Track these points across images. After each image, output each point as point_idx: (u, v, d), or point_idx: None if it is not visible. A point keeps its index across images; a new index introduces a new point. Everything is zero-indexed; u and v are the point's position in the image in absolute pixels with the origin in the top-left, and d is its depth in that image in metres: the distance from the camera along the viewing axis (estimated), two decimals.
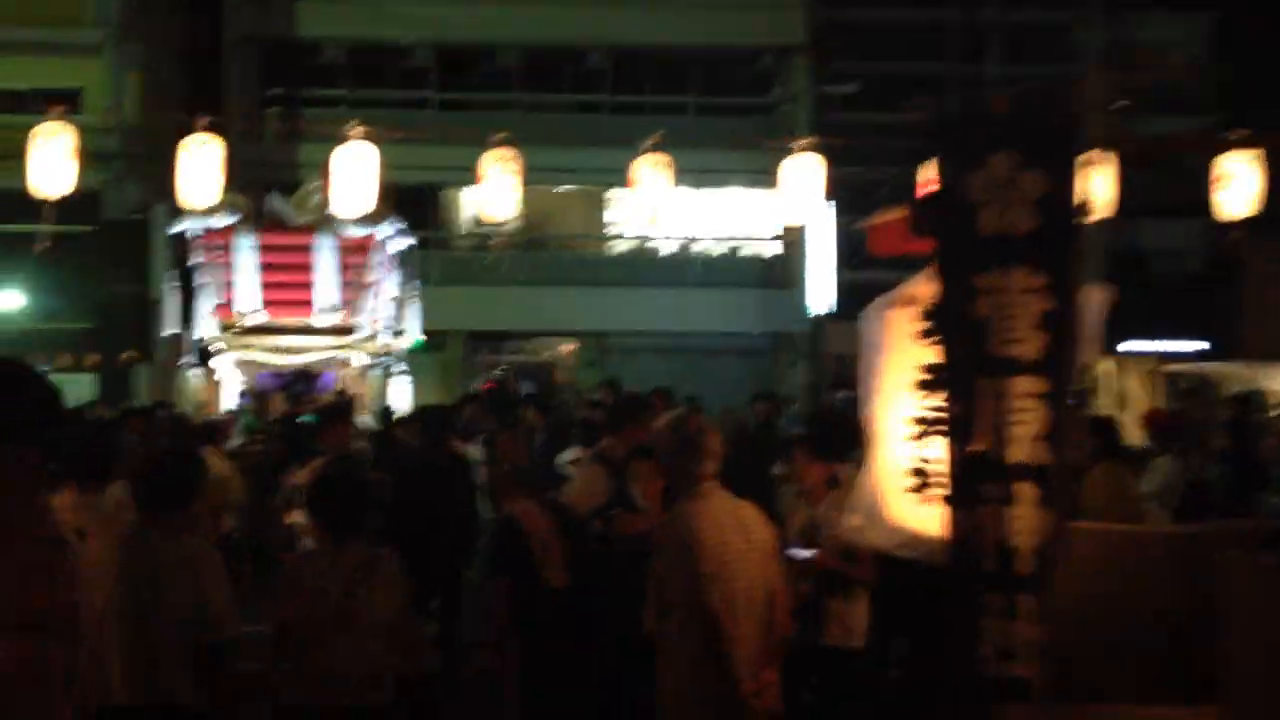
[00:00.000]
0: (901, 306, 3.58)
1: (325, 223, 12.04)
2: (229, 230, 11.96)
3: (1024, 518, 3.28)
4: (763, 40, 21.86)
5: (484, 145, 8.04)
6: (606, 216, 22.77)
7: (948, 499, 3.37)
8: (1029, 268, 3.26)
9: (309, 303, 12.10)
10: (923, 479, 3.50)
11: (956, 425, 3.34)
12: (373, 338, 12.62)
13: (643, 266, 22.66)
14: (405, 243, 12.94)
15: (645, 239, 22.83)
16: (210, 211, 11.94)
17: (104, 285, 20.05)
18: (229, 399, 12.63)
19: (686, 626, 3.57)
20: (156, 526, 3.67)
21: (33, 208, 19.44)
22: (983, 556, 3.32)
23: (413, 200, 19.78)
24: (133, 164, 19.85)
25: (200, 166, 7.71)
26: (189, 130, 20.65)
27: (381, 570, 3.73)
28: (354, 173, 7.84)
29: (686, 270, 22.44)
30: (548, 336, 23.45)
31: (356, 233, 12.02)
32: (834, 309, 20.28)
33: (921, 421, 3.47)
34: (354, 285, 12.03)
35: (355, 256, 12.03)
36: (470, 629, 5.65)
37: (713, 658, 3.53)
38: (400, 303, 13.24)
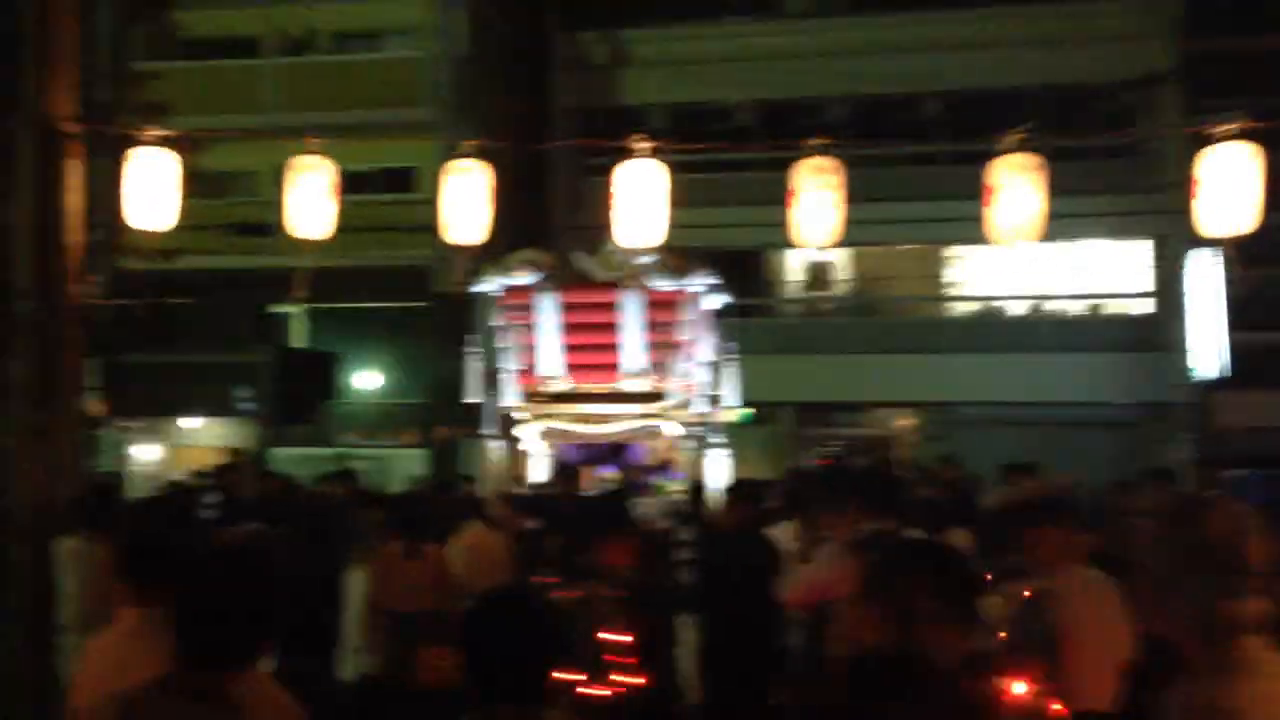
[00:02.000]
0: None
1: (631, 279, 10.74)
2: (529, 289, 10.88)
3: None
4: (1122, 75, 19.13)
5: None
6: (946, 276, 20.51)
7: None
8: None
9: (615, 366, 10.79)
10: None
11: None
12: (685, 405, 11.14)
13: (989, 330, 20.20)
14: (719, 300, 11.43)
15: (991, 299, 20.41)
16: (508, 269, 10.98)
17: (436, 360, 19.94)
18: (536, 472, 11.50)
19: None
20: (201, 690, 2.12)
21: (380, 285, 19.93)
22: None
23: (738, 265, 18.47)
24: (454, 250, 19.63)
25: (466, 196, 6.47)
26: (517, 201, 20.35)
27: None
28: (642, 197, 6.36)
29: (1039, 333, 19.80)
30: (884, 408, 21.32)
31: (665, 287, 10.63)
32: (1224, 374, 17.04)
33: None
34: (663, 346, 10.61)
35: (664, 314, 10.62)
36: None
37: None
38: (716, 367, 11.72)
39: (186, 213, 18.35)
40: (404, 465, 19.83)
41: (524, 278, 10.81)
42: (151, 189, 6.72)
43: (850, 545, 4.72)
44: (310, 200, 6.54)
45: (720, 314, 11.71)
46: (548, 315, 10.81)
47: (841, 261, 20.81)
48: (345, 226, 17.05)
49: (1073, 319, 20.13)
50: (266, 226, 19.16)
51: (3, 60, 6.53)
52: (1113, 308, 20.29)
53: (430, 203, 19.10)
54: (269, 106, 19.81)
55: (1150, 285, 19.59)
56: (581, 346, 10.89)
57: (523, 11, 21.08)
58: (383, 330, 20.74)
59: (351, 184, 20.34)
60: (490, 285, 11.00)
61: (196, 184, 21.11)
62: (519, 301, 10.91)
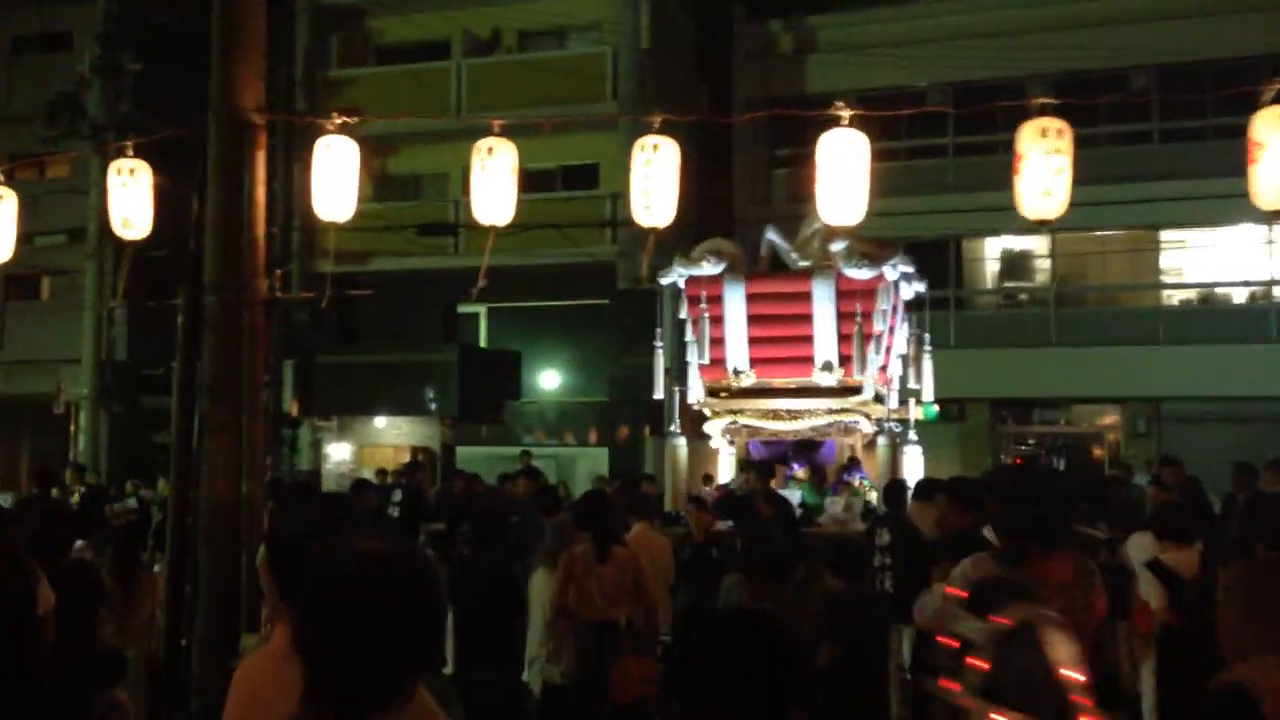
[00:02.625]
0: None
1: (824, 266, 10.16)
2: (716, 279, 10.42)
3: None
4: None
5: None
6: (1160, 263, 19.10)
7: None
8: None
9: (807, 359, 10.21)
10: None
11: None
12: (880, 400, 10.49)
13: (1207, 320, 18.69)
14: (916, 289, 10.72)
15: (1211, 286, 18.88)
16: (694, 259, 10.55)
17: (618, 358, 19.71)
18: (725, 470, 11.03)
19: None
20: None
21: (562, 283, 19.86)
22: None
23: (931, 255, 17.60)
24: (645, 233, 19.39)
25: (655, 177, 6.04)
26: (702, 194, 19.88)
27: None
28: (846, 168, 5.78)
29: (1266, 322, 18.21)
30: (1087, 404, 20.01)
31: (860, 275, 10.01)
32: None
33: None
34: (858, 337, 9.98)
35: (859, 303, 9.99)
36: None
37: None
38: (911, 360, 11.01)
39: (377, 215, 18.64)
40: (587, 464, 19.70)
41: (710, 268, 10.35)
42: (335, 180, 6.54)
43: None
44: (494, 186, 6.23)
45: (914, 304, 11.02)
46: (735, 306, 10.32)
47: (1041, 248, 19.64)
48: (529, 224, 16.94)
49: None
50: (453, 226, 19.34)
51: (197, 56, 6.46)
52: None
53: (613, 198, 18.95)
54: (457, 108, 19.97)
55: None
56: (771, 339, 10.37)
57: (705, 2, 20.67)
58: (565, 328, 20.66)
59: (535, 182, 20.44)
60: (676, 277, 10.59)
61: (387, 186, 21.50)
62: (706, 293, 10.46)
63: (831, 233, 10.07)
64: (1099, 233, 19.20)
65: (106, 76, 19.76)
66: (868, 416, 10.39)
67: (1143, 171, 18.02)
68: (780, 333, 10.29)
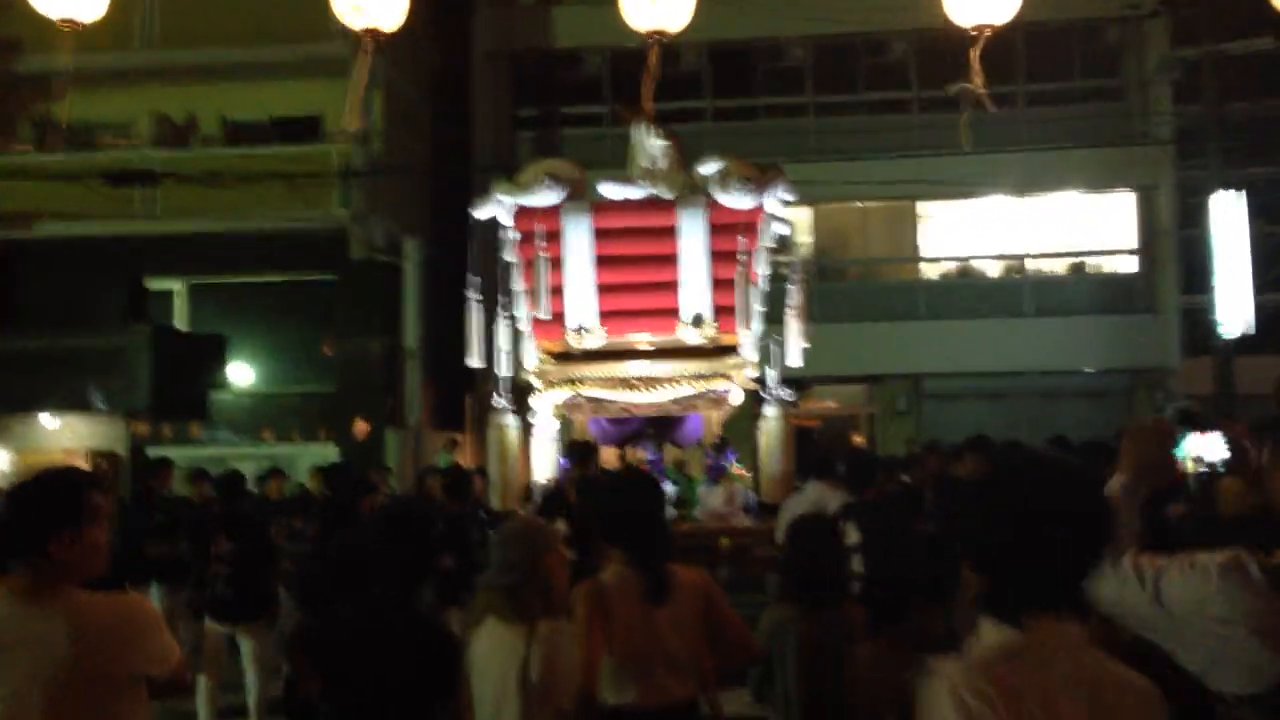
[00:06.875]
0: None
1: (691, 194, 7.76)
2: (552, 213, 7.78)
3: None
4: (1109, 10, 16.94)
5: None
6: (918, 237, 18.10)
7: None
8: None
9: (671, 311, 7.79)
10: None
11: None
12: (752, 362, 8.24)
13: (963, 294, 17.87)
14: (784, 227, 8.52)
15: (966, 259, 18.07)
16: (520, 186, 7.87)
17: (349, 339, 16.46)
18: (545, 455, 8.35)
19: None
20: None
21: (268, 255, 16.37)
22: None
23: None
24: (381, 194, 16.30)
25: None
26: (439, 155, 17.00)
27: None
28: None
29: (1018, 297, 17.58)
30: (845, 383, 18.77)
31: (737, 203, 7.69)
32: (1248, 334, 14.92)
33: None
34: (735, 283, 7.67)
35: (742, 239, 7.67)
36: None
37: None
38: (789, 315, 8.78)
39: (41, 169, 14.35)
40: (311, 464, 16.35)
41: (545, 197, 7.69)
42: None
43: None
44: None
45: (787, 240, 8.80)
46: (577, 246, 7.73)
47: (801, 221, 18.19)
48: (237, 184, 13.11)
49: (1053, 280, 17.95)
50: (150, 176, 15.52)
51: None
52: (1105, 266, 18.23)
53: (342, 154, 15.57)
54: (141, 43, 16.03)
55: (1135, 241, 17.55)
56: (623, 286, 7.85)
57: None
58: (281, 307, 17.17)
59: (243, 135, 16.62)
60: (498, 208, 7.84)
61: (53, 137, 16.89)
62: (538, 229, 7.79)
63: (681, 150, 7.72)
64: (857, 204, 17.98)
65: None
66: (738, 384, 8.09)
67: (902, 142, 16.92)
68: (635, 279, 7.79)
